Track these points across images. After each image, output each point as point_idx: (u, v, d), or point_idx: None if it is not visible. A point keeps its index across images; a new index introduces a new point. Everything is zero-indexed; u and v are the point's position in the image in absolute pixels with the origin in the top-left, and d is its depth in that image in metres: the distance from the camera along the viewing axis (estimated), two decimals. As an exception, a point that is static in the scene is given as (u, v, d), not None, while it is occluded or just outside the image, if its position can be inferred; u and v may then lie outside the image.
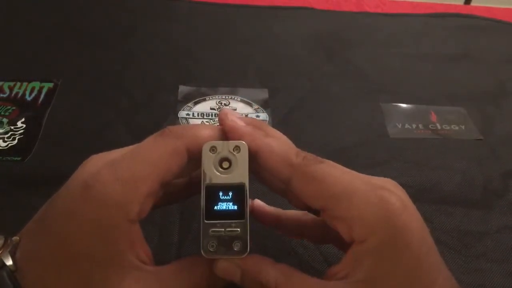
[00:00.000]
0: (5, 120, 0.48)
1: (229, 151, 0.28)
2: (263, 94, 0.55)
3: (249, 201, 0.28)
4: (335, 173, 0.28)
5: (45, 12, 0.66)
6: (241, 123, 0.29)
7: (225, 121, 0.30)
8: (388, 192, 0.27)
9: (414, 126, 0.53)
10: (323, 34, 0.67)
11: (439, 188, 0.45)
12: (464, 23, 0.72)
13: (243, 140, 0.28)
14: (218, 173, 0.28)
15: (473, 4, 1.14)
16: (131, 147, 0.29)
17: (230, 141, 0.28)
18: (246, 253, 0.27)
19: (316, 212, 0.30)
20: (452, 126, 0.53)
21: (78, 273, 0.26)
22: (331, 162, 0.29)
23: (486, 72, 0.63)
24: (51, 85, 0.53)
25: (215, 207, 0.27)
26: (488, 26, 0.72)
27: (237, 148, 0.28)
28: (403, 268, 0.26)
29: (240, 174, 0.28)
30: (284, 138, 0.31)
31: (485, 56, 0.66)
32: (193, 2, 0.71)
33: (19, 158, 0.44)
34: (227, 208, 0.27)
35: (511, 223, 0.42)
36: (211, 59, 0.61)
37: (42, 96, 0.51)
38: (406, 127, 0.53)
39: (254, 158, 0.28)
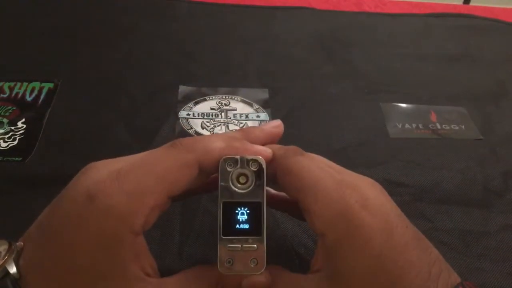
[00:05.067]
0: (5, 120, 0.48)
1: (247, 166, 0.28)
2: (263, 94, 0.55)
3: (265, 218, 0.28)
4: (310, 166, 0.29)
5: (45, 12, 0.66)
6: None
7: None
8: (350, 191, 0.28)
9: (414, 126, 0.53)
10: (323, 34, 0.67)
11: (439, 188, 0.45)
12: (464, 23, 0.72)
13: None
14: (235, 188, 0.28)
15: (472, 4, 1.14)
16: (138, 156, 0.28)
17: (248, 156, 0.28)
18: (263, 270, 0.27)
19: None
20: (452, 126, 0.53)
21: (81, 284, 0.26)
22: (311, 155, 0.30)
23: (486, 71, 0.63)
24: (51, 85, 0.53)
25: (232, 224, 0.27)
26: (488, 26, 0.72)
27: (254, 163, 0.28)
28: (365, 264, 0.26)
29: (257, 189, 0.28)
30: None
31: (485, 56, 0.66)
32: (193, 2, 0.71)
33: (19, 159, 0.44)
34: (244, 225, 0.27)
35: (511, 222, 0.42)
36: (211, 59, 0.61)
37: (42, 96, 0.51)
38: (406, 127, 0.53)
39: None
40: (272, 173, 0.29)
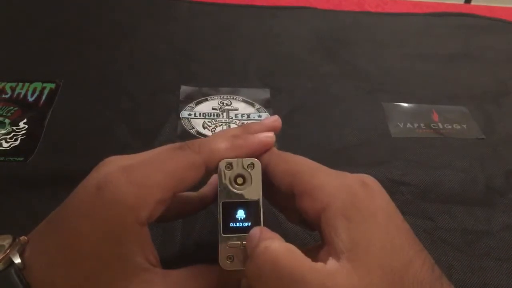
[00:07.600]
0: (7, 120, 0.48)
1: (243, 167, 0.29)
2: (265, 94, 0.55)
3: (263, 215, 0.29)
4: (304, 159, 0.30)
5: (46, 12, 0.66)
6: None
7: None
8: (349, 174, 0.29)
9: (416, 125, 0.53)
10: (324, 33, 0.67)
11: (441, 187, 0.45)
12: (465, 22, 0.72)
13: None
14: (233, 189, 0.29)
15: (473, 3, 1.14)
16: (147, 154, 0.29)
17: (245, 159, 0.30)
18: None
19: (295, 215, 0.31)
20: (454, 125, 0.53)
21: (86, 272, 0.26)
22: None
23: (487, 71, 0.63)
24: (53, 85, 0.53)
25: (232, 222, 0.29)
26: (489, 25, 0.72)
27: (251, 165, 0.29)
28: (379, 236, 0.25)
29: (254, 189, 0.29)
30: None
31: (487, 55, 0.66)
32: (194, 2, 0.71)
33: (21, 159, 0.44)
34: (243, 223, 0.29)
35: (513, 221, 0.42)
36: (212, 59, 0.61)
37: (44, 96, 0.51)
38: (408, 126, 0.53)
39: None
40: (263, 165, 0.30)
